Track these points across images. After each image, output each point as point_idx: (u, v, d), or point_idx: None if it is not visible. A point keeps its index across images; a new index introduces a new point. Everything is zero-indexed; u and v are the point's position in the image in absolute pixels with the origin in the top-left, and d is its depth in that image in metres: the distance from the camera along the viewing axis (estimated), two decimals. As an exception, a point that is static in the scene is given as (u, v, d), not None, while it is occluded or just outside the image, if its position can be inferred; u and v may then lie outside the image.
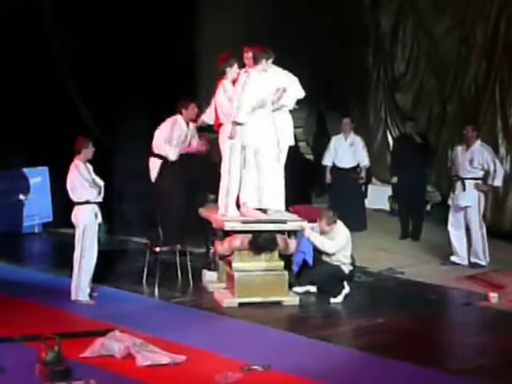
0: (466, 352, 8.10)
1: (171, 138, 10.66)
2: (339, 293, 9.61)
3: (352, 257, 9.87)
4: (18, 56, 12.79)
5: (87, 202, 9.42)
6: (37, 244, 13.13)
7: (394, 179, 13.13)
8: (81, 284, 9.42)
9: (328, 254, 9.68)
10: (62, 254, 12.35)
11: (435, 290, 10.35)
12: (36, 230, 13.54)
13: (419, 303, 9.76)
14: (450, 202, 11.61)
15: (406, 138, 13.29)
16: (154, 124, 13.44)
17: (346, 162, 13.36)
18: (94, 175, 9.60)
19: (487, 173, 11.28)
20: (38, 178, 13.42)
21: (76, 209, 9.46)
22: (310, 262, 9.86)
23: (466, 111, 13.67)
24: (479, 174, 11.30)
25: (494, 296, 9.69)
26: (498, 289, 10.05)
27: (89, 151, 9.54)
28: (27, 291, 9.85)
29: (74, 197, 9.44)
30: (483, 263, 11.26)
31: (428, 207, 14.47)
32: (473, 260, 11.32)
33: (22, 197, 13.18)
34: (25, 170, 13.23)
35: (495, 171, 11.23)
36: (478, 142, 11.37)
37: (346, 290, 9.68)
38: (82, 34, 12.82)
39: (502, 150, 13.07)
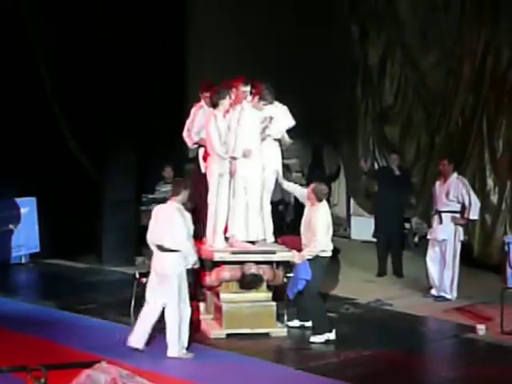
0: (454, 384, 8.09)
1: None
2: (322, 332, 9.29)
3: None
4: (6, 88, 12.80)
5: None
6: (23, 274, 13.06)
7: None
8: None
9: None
10: (49, 285, 12.33)
11: (423, 322, 10.37)
12: (23, 261, 13.47)
13: (407, 335, 9.75)
14: (428, 235, 11.65)
15: (385, 171, 13.32)
16: (141, 157, 13.52)
17: None
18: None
19: (464, 206, 11.26)
20: (25, 208, 13.37)
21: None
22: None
23: (454, 144, 13.72)
24: (456, 207, 11.29)
25: (481, 328, 9.68)
26: (486, 321, 10.04)
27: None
28: (14, 322, 9.78)
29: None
30: (449, 297, 11.24)
31: (416, 239, 14.50)
32: (439, 293, 11.28)
33: (11, 226, 13.14)
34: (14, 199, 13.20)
35: (470, 204, 11.21)
36: (455, 174, 11.42)
37: (332, 335, 9.30)
38: (70, 63, 12.90)
39: (490, 183, 13.09)
